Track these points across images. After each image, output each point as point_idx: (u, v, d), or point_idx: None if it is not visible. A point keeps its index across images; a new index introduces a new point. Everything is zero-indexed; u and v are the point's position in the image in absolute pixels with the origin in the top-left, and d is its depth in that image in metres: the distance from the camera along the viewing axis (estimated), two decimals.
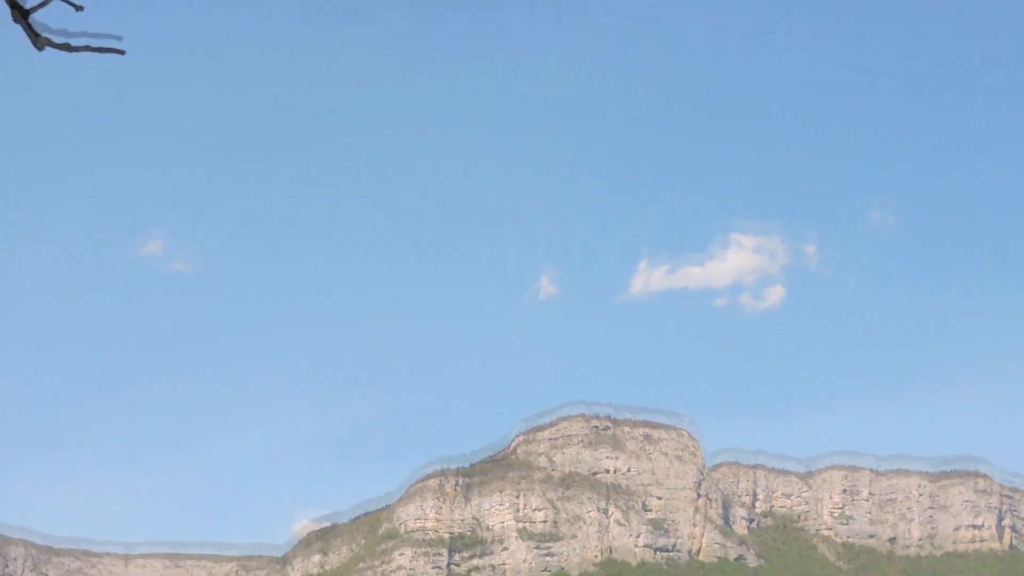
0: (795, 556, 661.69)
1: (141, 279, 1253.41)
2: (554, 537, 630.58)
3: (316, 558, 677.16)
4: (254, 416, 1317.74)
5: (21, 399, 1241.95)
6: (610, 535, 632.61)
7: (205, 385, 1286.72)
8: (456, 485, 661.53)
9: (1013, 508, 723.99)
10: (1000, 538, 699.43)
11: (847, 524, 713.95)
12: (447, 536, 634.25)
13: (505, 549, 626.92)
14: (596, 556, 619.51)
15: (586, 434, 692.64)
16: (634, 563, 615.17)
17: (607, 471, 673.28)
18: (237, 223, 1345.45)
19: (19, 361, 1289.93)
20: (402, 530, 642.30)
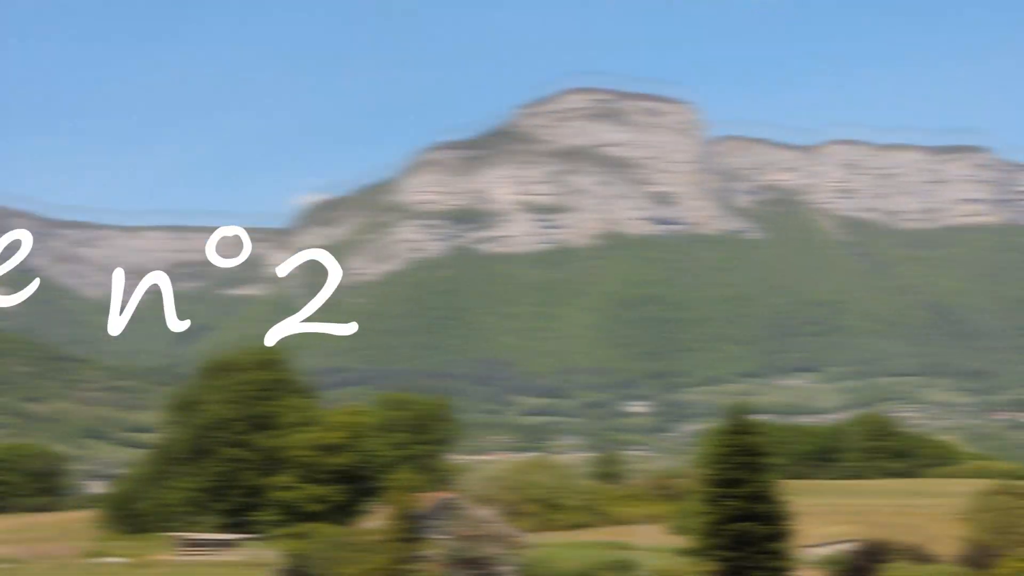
0: (796, 230, 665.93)
1: None
2: (556, 210, 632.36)
3: (320, 231, 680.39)
4: (255, 92, 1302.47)
5: (22, 71, 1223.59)
6: (612, 208, 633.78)
7: (207, 59, 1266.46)
8: (458, 159, 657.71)
9: (1011, 182, 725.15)
10: (997, 211, 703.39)
11: (848, 198, 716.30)
12: (449, 209, 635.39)
13: (507, 222, 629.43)
14: (598, 229, 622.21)
15: (588, 108, 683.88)
16: (635, 236, 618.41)
17: (609, 145, 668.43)
18: None
19: (19, 32, 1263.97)
20: (404, 203, 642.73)
